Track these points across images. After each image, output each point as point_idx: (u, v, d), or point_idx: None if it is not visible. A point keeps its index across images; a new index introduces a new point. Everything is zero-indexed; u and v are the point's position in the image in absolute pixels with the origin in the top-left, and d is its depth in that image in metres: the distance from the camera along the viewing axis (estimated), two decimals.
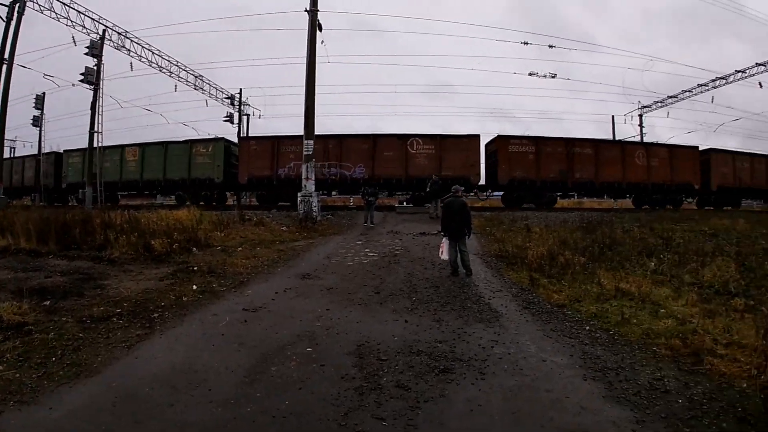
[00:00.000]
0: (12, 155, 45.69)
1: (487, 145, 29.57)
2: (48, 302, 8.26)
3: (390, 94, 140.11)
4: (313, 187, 21.57)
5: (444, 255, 10.53)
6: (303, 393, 4.63)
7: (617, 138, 44.63)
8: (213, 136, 32.59)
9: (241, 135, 43.04)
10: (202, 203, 29.43)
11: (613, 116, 49.65)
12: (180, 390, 4.73)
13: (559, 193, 30.64)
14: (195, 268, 10.83)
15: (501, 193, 30.89)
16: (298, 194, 21.76)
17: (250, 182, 29.25)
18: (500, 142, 28.65)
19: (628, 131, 54.96)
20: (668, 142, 34.33)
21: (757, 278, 9.62)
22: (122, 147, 32.76)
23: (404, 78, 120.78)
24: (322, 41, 23.03)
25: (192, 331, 6.65)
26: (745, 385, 4.91)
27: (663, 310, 7.57)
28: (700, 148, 32.29)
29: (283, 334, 6.38)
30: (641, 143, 33.48)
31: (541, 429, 4.14)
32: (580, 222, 19.07)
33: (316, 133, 27.05)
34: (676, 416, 4.35)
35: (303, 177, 21.53)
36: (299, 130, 22.64)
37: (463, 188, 11.42)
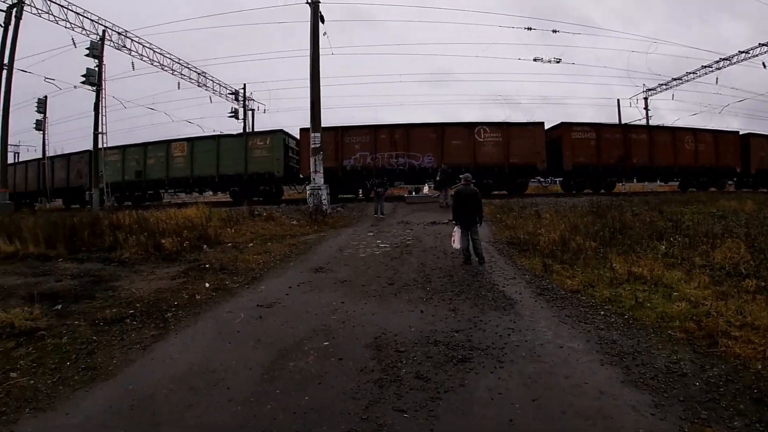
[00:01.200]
0: (15, 160, 45.33)
1: (547, 132, 28.60)
2: (59, 306, 8.25)
3: (389, 84, 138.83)
4: (322, 180, 21.39)
5: (456, 244, 10.49)
6: (323, 388, 4.62)
7: (623, 122, 44.53)
8: (270, 129, 30.14)
9: (246, 130, 42.67)
10: (257, 198, 28.45)
11: (618, 100, 49.61)
12: (198, 390, 4.73)
13: (615, 178, 30.58)
14: (207, 266, 10.83)
15: (560, 179, 31.34)
16: (307, 187, 21.69)
17: None
18: (564, 129, 28.59)
19: (633, 114, 54.73)
20: (712, 128, 34.07)
21: (767, 259, 9.57)
22: (168, 142, 30.93)
23: (404, 67, 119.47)
24: (325, 33, 22.80)
25: (207, 330, 6.66)
26: (760, 367, 4.90)
27: (676, 293, 7.53)
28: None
29: (299, 329, 6.37)
30: (689, 129, 32.69)
31: (563, 414, 4.14)
32: (589, 207, 18.96)
33: (363, 123, 27.53)
34: (693, 399, 4.35)
35: (311, 170, 21.41)
36: (304, 123, 22.57)
37: (470, 176, 11.27)
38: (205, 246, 13.48)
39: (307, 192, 21.56)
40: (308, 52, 22.15)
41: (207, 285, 9.17)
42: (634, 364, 5.13)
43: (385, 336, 6.01)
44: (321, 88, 22.05)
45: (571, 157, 27.92)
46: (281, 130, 29.21)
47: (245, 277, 9.76)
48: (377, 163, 26.80)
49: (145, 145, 31.07)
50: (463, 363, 5.15)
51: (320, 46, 22.09)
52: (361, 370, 4.99)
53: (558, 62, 41.94)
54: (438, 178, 23.04)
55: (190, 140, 30.43)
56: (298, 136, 28.61)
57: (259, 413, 4.21)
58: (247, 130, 32.21)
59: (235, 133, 29.87)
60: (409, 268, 10.01)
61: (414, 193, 28.87)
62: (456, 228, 10.54)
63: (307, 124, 22.64)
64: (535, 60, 41.99)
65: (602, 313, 6.94)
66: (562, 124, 28.90)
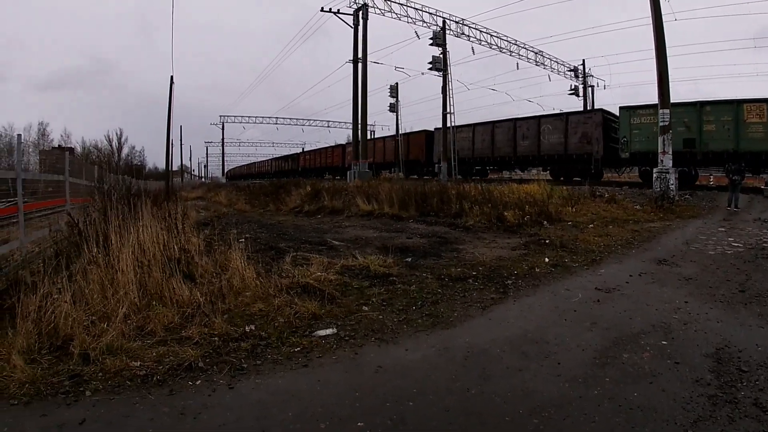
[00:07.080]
0: (372, 137, 52.59)
1: None
2: (410, 259, 9.50)
3: (708, 54, 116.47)
4: (671, 162, 19.31)
5: None
6: (653, 388, 4.42)
7: None
8: None
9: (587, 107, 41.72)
10: None
11: None
12: (530, 357, 4.96)
13: None
14: (546, 241, 11.17)
15: None
16: (654, 170, 19.80)
17: None
18: None
19: None
20: None
21: None
22: (738, 102, 23.23)
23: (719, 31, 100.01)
24: None
25: (544, 303, 6.89)
26: None
27: None
28: None
29: (636, 321, 6.16)
30: None
31: None
32: None
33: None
34: None
35: (659, 151, 19.50)
36: (644, 100, 20.30)
37: None
38: (545, 222, 14.00)
39: (654, 175, 19.76)
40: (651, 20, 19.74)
41: (546, 260, 9.47)
42: None
43: (728, 349, 5.42)
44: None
45: None
46: None
47: (584, 258, 9.77)
48: None
49: (700, 104, 24.45)
50: None
51: (662, 12, 19.62)
52: (697, 381, 4.61)
53: None
54: None
55: None
56: None
57: (584, 395, 4.23)
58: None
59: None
60: (763, 276, 8.66)
61: None
62: None
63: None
64: None
65: None
66: None
